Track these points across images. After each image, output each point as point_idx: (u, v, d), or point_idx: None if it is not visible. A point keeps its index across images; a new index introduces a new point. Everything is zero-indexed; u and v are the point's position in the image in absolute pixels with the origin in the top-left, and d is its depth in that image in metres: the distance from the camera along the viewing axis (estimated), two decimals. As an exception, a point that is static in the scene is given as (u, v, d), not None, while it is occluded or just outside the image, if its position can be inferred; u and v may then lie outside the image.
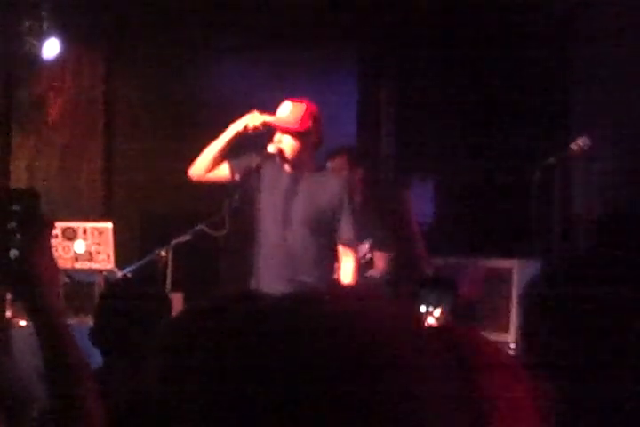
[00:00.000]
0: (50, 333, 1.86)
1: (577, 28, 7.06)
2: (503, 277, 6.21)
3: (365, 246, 6.15)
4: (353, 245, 5.50)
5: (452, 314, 6.27)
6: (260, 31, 7.64)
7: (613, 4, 6.84)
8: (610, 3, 6.87)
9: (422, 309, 6.53)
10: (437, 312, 6.46)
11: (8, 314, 6.25)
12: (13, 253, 1.80)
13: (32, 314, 1.87)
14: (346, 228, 5.42)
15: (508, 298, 6.11)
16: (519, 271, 6.10)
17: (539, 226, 5.67)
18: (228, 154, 5.44)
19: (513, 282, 6.12)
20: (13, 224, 1.80)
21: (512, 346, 5.68)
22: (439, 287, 6.35)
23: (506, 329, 6.00)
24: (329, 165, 6.29)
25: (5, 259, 1.81)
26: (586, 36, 7.00)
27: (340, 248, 5.44)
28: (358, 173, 6.41)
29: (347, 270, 5.42)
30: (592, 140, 5.50)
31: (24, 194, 1.86)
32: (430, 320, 6.42)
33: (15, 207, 1.81)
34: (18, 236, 1.80)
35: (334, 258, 5.49)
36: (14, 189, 1.93)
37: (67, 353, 1.87)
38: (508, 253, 6.29)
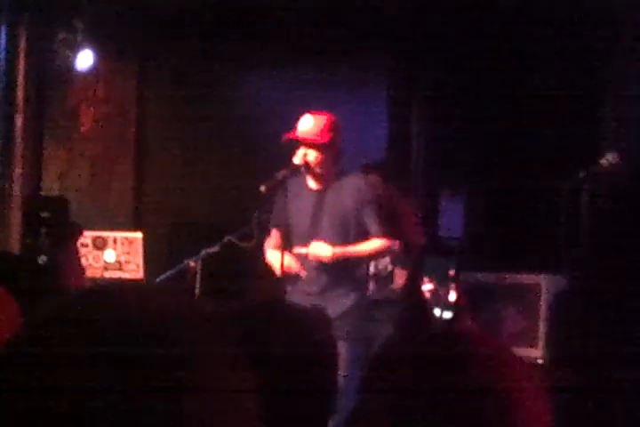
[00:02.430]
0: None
1: (612, 46, 7.04)
2: (532, 293, 6.19)
3: (387, 259, 6.11)
4: (385, 236, 5.35)
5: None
6: (288, 46, 7.67)
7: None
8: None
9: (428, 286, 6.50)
10: (452, 297, 6.43)
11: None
12: (42, 258, 1.84)
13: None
14: (374, 226, 5.32)
15: (537, 313, 6.09)
16: (548, 287, 6.08)
17: (567, 241, 5.67)
18: None
19: (541, 297, 6.10)
20: (43, 230, 1.84)
21: (540, 362, 5.65)
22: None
23: (534, 345, 5.97)
24: None
25: (34, 264, 1.84)
26: (620, 52, 6.99)
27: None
28: (389, 191, 6.38)
29: (369, 244, 5.32)
30: (621, 156, 5.50)
31: (53, 201, 1.90)
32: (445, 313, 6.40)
33: (44, 214, 1.85)
34: (47, 242, 1.84)
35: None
36: (44, 197, 1.98)
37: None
38: (537, 269, 6.27)
